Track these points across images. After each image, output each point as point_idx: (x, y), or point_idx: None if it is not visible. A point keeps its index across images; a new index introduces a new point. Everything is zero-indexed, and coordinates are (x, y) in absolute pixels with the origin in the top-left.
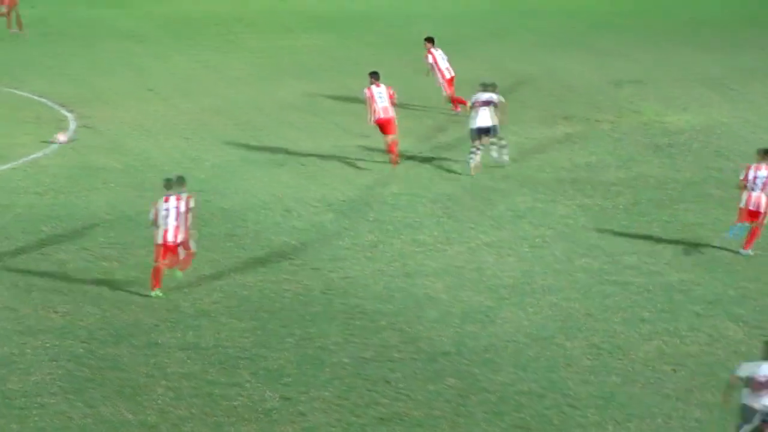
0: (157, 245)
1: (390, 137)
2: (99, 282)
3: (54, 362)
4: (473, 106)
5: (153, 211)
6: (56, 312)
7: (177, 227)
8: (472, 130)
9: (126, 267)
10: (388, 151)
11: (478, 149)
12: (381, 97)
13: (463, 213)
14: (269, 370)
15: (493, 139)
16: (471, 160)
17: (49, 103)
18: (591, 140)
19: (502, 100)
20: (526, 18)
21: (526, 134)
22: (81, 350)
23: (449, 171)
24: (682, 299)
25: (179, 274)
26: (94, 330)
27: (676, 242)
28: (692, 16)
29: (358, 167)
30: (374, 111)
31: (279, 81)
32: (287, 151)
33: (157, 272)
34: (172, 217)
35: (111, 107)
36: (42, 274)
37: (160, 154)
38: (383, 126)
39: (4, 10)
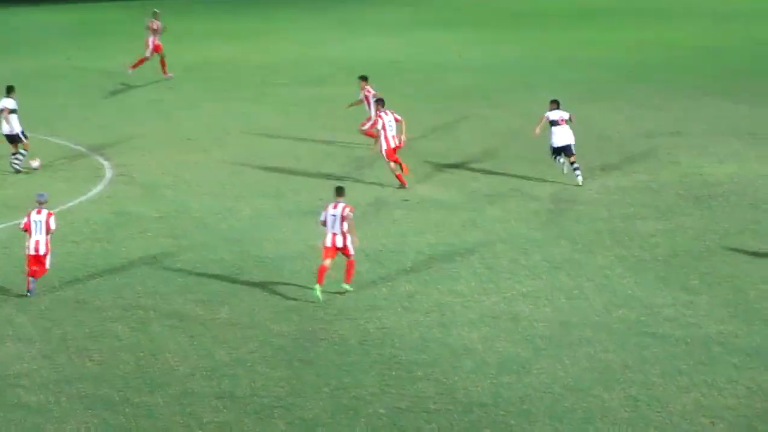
0: (326, 247)
1: (393, 164)
2: (134, 330)
3: (89, 411)
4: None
5: (323, 213)
6: (92, 360)
7: (335, 234)
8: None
9: (161, 315)
10: (398, 175)
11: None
12: (390, 125)
13: (499, 263)
14: (304, 420)
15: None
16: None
17: (85, 152)
18: (628, 191)
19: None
20: (558, 69)
21: (562, 185)
22: (116, 398)
23: (485, 221)
24: (720, 351)
25: (347, 286)
26: (129, 378)
27: (714, 294)
28: (725, 67)
29: (393, 217)
30: (386, 139)
31: (313, 131)
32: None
33: (322, 270)
34: (337, 223)
35: (146, 155)
36: (78, 322)
37: (196, 202)
38: (392, 153)
39: (147, 54)
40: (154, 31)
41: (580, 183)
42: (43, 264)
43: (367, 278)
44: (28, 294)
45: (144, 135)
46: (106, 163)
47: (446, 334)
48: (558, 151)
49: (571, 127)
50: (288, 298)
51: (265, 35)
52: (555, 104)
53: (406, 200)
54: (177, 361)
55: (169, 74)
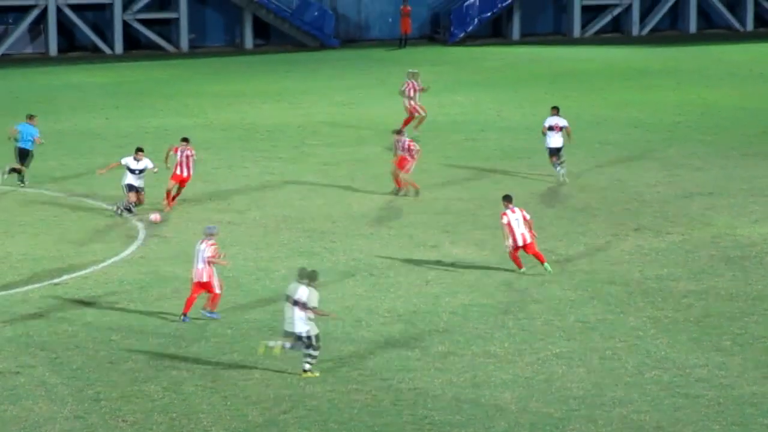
0: (516, 247)
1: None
2: (167, 390)
3: None
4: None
5: (506, 220)
6: (125, 421)
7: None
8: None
9: (195, 376)
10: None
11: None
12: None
13: (533, 324)
14: None
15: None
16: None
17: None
18: (662, 252)
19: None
20: (594, 129)
21: (596, 245)
22: None
23: (519, 282)
24: (753, 412)
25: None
26: None
27: (747, 355)
28: (764, 128)
29: (427, 277)
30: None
31: (350, 191)
32: (358, 261)
33: (515, 256)
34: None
35: (180, 215)
36: (111, 383)
37: (230, 262)
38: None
39: (422, 113)
40: (415, 92)
41: (565, 179)
42: (213, 289)
43: (401, 339)
44: (184, 319)
45: (180, 196)
46: (139, 224)
47: (479, 394)
48: (552, 152)
49: (563, 135)
50: (322, 359)
51: (304, 95)
52: (555, 110)
53: (440, 261)
54: (210, 421)
55: (417, 131)
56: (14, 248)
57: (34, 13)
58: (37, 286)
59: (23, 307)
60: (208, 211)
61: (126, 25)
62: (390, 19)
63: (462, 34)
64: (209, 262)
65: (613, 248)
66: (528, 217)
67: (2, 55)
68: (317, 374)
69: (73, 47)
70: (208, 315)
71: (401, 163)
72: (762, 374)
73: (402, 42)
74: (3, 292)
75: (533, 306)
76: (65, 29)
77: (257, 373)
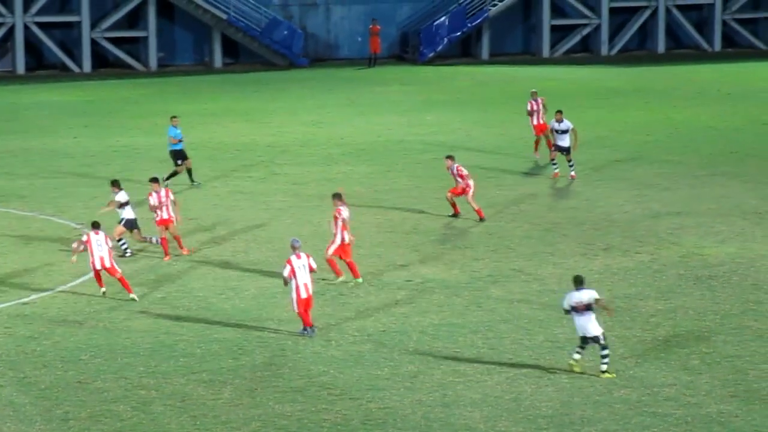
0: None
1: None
2: (136, 410)
3: None
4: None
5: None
6: None
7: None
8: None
9: (163, 396)
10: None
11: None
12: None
13: (502, 343)
14: None
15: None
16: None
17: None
18: (630, 272)
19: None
20: None
21: (566, 266)
22: None
23: (488, 301)
24: (720, 431)
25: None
26: None
27: (715, 374)
28: (732, 147)
29: (396, 297)
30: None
31: (320, 211)
32: (327, 281)
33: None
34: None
35: (149, 234)
36: (80, 403)
37: (199, 282)
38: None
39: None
40: (537, 111)
41: (574, 176)
42: (310, 304)
43: (370, 359)
44: (306, 332)
45: (147, 215)
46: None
47: (449, 413)
48: (560, 149)
49: (570, 136)
50: (291, 378)
51: (274, 114)
52: (560, 114)
53: (409, 281)
54: None
55: (537, 155)
56: None
57: (1, 31)
58: (5, 305)
59: None
60: (177, 230)
61: (94, 44)
62: (359, 38)
63: (431, 54)
64: (311, 273)
65: (582, 268)
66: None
67: None
68: (614, 375)
69: (41, 65)
70: (308, 333)
71: (455, 191)
72: (729, 393)
73: (371, 61)
74: None
75: (502, 325)
76: (33, 47)
77: (227, 393)
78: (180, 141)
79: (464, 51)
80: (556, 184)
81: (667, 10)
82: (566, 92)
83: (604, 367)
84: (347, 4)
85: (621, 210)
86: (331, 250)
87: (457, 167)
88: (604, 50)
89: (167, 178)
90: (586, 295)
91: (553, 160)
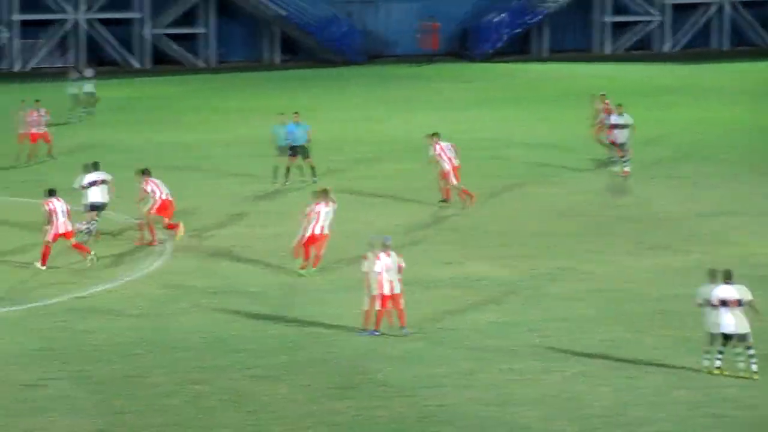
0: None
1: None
2: (190, 404)
3: None
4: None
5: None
6: None
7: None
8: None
9: (217, 391)
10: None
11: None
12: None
13: (558, 342)
14: None
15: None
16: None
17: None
18: (680, 271)
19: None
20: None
21: (615, 264)
22: None
23: (544, 299)
24: None
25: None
26: None
27: None
28: None
29: (452, 294)
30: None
31: (373, 207)
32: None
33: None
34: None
35: (205, 230)
36: (134, 397)
37: (254, 277)
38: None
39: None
40: (602, 110)
41: (627, 171)
42: (401, 304)
43: (426, 356)
44: (404, 332)
45: (200, 209)
46: (164, 238)
47: (504, 412)
48: (619, 145)
49: (629, 131)
50: (347, 375)
51: (330, 111)
52: (621, 107)
53: (464, 279)
54: None
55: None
56: (40, 261)
57: (63, 28)
58: (60, 299)
59: (48, 320)
60: (232, 225)
61: (154, 40)
62: (417, 35)
63: (490, 51)
64: (400, 270)
65: (633, 267)
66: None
67: (32, 68)
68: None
69: (101, 62)
70: (405, 331)
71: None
72: None
73: (429, 58)
74: (28, 305)
75: (558, 324)
76: (93, 44)
77: (281, 389)
78: (300, 135)
79: (523, 48)
80: (619, 181)
81: (733, 7)
82: (625, 89)
83: (755, 367)
84: (405, 1)
85: (671, 208)
86: (296, 241)
87: (440, 146)
88: (665, 47)
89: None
90: (736, 291)
91: (623, 157)
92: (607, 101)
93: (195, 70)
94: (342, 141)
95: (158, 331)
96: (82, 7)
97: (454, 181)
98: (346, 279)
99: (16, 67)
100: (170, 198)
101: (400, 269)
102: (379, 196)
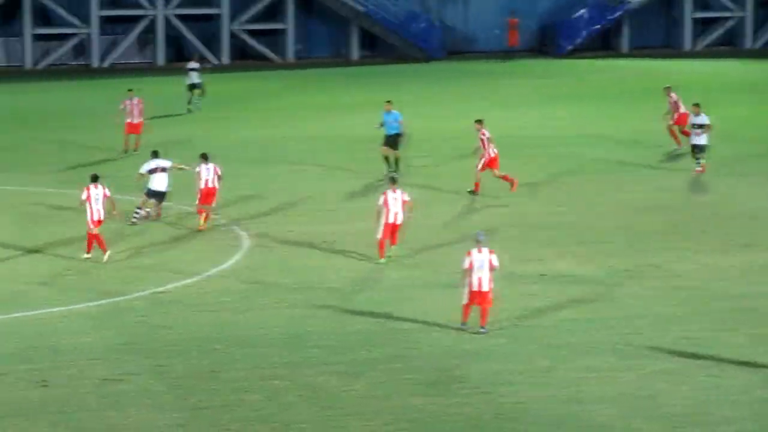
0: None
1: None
2: (269, 400)
3: None
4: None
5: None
6: (227, 429)
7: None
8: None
9: (296, 386)
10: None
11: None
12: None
13: (637, 339)
14: None
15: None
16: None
17: (224, 222)
18: (766, 269)
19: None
20: None
21: (697, 261)
22: None
23: (623, 297)
24: None
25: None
26: None
27: None
28: None
29: (530, 291)
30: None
31: (454, 204)
32: (460, 274)
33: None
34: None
35: (285, 226)
36: (213, 392)
37: (334, 273)
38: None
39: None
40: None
41: (700, 169)
42: (489, 300)
43: (503, 352)
44: (482, 331)
45: (283, 205)
46: (243, 233)
47: (582, 410)
48: (696, 148)
49: (707, 132)
50: (424, 372)
51: (409, 107)
52: (697, 107)
53: (544, 275)
54: (309, 431)
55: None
56: (120, 257)
57: (143, 23)
58: (141, 294)
59: (128, 315)
60: (312, 222)
61: (233, 36)
62: (497, 31)
63: (570, 47)
64: (492, 271)
65: (721, 264)
66: (407, 198)
67: (111, 64)
68: None
69: (181, 57)
70: (483, 330)
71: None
72: None
73: (509, 54)
74: (108, 300)
75: (637, 321)
76: (173, 39)
77: (359, 385)
78: (398, 124)
79: (604, 44)
80: (699, 178)
81: None
82: (707, 86)
83: None
84: None
85: (762, 206)
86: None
87: (482, 132)
88: (748, 43)
89: (394, 170)
90: None
91: (697, 158)
92: (672, 93)
93: (275, 66)
94: (422, 137)
95: (237, 327)
96: (163, 2)
97: (479, 168)
98: (426, 275)
99: (96, 63)
100: (213, 185)
101: (491, 267)
102: (460, 192)
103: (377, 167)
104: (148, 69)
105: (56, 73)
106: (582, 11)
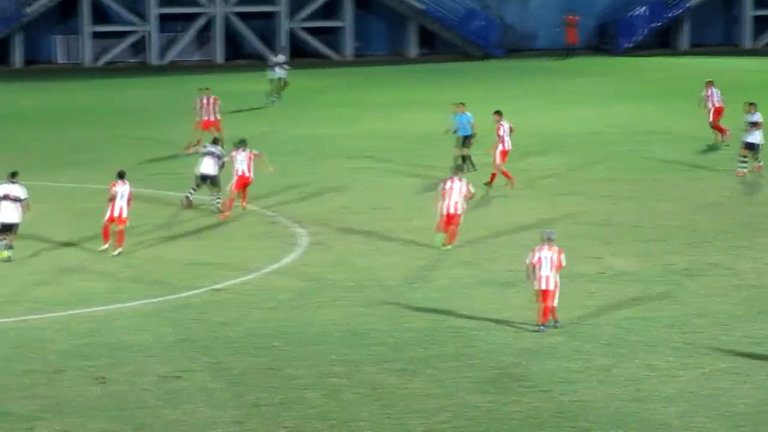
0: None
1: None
2: (327, 398)
3: None
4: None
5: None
6: (285, 427)
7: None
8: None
9: (354, 384)
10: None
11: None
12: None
13: (698, 338)
14: None
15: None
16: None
17: (281, 219)
18: None
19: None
20: None
21: (761, 260)
22: None
23: (683, 295)
24: None
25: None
26: None
27: None
28: None
29: (589, 290)
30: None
31: (511, 201)
32: (519, 272)
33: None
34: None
35: (342, 224)
36: (271, 389)
37: (391, 271)
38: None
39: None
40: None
41: (744, 172)
42: (552, 299)
43: (562, 350)
44: (541, 329)
45: (341, 203)
46: (301, 231)
47: (642, 408)
48: (748, 146)
49: (762, 131)
50: (482, 369)
51: (468, 104)
52: (753, 107)
53: (602, 273)
54: (369, 430)
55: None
56: (177, 253)
57: (202, 20)
58: (199, 291)
59: (185, 312)
60: (369, 220)
61: (292, 33)
62: (556, 29)
63: (629, 44)
64: (558, 269)
65: None
66: (466, 190)
67: (170, 62)
68: None
69: (239, 55)
70: (542, 329)
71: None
72: None
73: (568, 52)
74: (165, 297)
75: (698, 320)
76: (232, 37)
77: (418, 382)
78: (465, 127)
79: (663, 42)
80: (761, 178)
81: None
82: (766, 84)
83: None
84: None
85: None
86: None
87: (499, 125)
88: None
89: (463, 165)
90: None
91: (744, 157)
92: (710, 85)
93: (332, 64)
94: (480, 134)
95: (295, 324)
96: (221, 0)
97: (498, 160)
98: (483, 273)
99: (154, 61)
100: (246, 174)
101: (558, 266)
102: (519, 189)
103: (434, 164)
104: (207, 66)
105: (114, 70)
106: (641, 9)
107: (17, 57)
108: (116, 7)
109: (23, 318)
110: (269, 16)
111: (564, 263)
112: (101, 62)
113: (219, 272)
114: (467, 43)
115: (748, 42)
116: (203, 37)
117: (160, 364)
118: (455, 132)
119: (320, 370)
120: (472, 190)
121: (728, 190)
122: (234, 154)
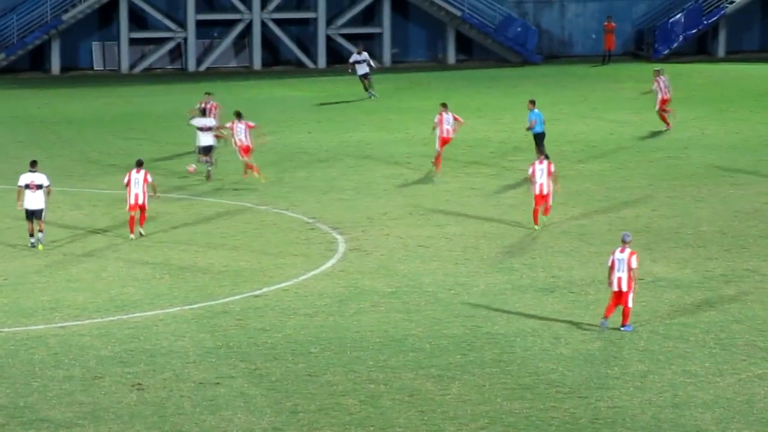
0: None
1: None
2: (365, 404)
3: None
4: None
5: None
6: None
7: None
8: None
9: (392, 390)
10: None
11: None
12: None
13: (734, 344)
14: None
15: None
16: None
17: (319, 225)
18: None
19: None
20: None
21: None
22: None
23: (720, 301)
24: None
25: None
26: None
27: None
28: None
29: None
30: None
31: (552, 209)
32: (557, 278)
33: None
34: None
35: (380, 230)
36: (309, 396)
37: (429, 277)
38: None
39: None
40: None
41: None
42: (627, 300)
43: (600, 357)
44: (623, 329)
45: (379, 209)
46: (339, 237)
47: (679, 414)
48: None
49: None
50: (520, 376)
51: (506, 111)
52: None
53: (640, 279)
54: None
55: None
56: (216, 260)
57: (239, 27)
58: (237, 297)
59: (224, 319)
60: (408, 225)
61: (329, 40)
62: (594, 36)
63: (666, 51)
64: (630, 271)
65: None
66: (552, 169)
67: (207, 68)
68: None
69: (277, 61)
70: (624, 329)
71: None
72: None
73: (605, 58)
74: (204, 303)
75: (735, 326)
76: (269, 43)
77: (455, 388)
78: (539, 124)
79: (700, 48)
80: None
81: None
82: None
83: None
84: (582, 1)
85: None
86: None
87: (453, 116)
88: None
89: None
90: None
91: None
92: (658, 74)
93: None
94: (519, 140)
95: (333, 330)
96: (260, 6)
97: (437, 147)
98: (523, 279)
99: (191, 67)
100: (246, 143)
101: (630, 268)
102: (558, 196)
103: (473, 171)
104: (245, 72)
105: (152, 77)
106: (678, 15)
107: (54, 63)
108: (154, 14)
109: (62, 324)
110: (307, 22)
111: (634, 265)
112: (138, 69)
113: (257, 278)
114: (505, 49)
115: None
116: (240, 43)
117: (199, 371)
118: (531, 128)
119: (358, 376)
120: (553, 169)
121: (766, 196)
122: (233, 125)
